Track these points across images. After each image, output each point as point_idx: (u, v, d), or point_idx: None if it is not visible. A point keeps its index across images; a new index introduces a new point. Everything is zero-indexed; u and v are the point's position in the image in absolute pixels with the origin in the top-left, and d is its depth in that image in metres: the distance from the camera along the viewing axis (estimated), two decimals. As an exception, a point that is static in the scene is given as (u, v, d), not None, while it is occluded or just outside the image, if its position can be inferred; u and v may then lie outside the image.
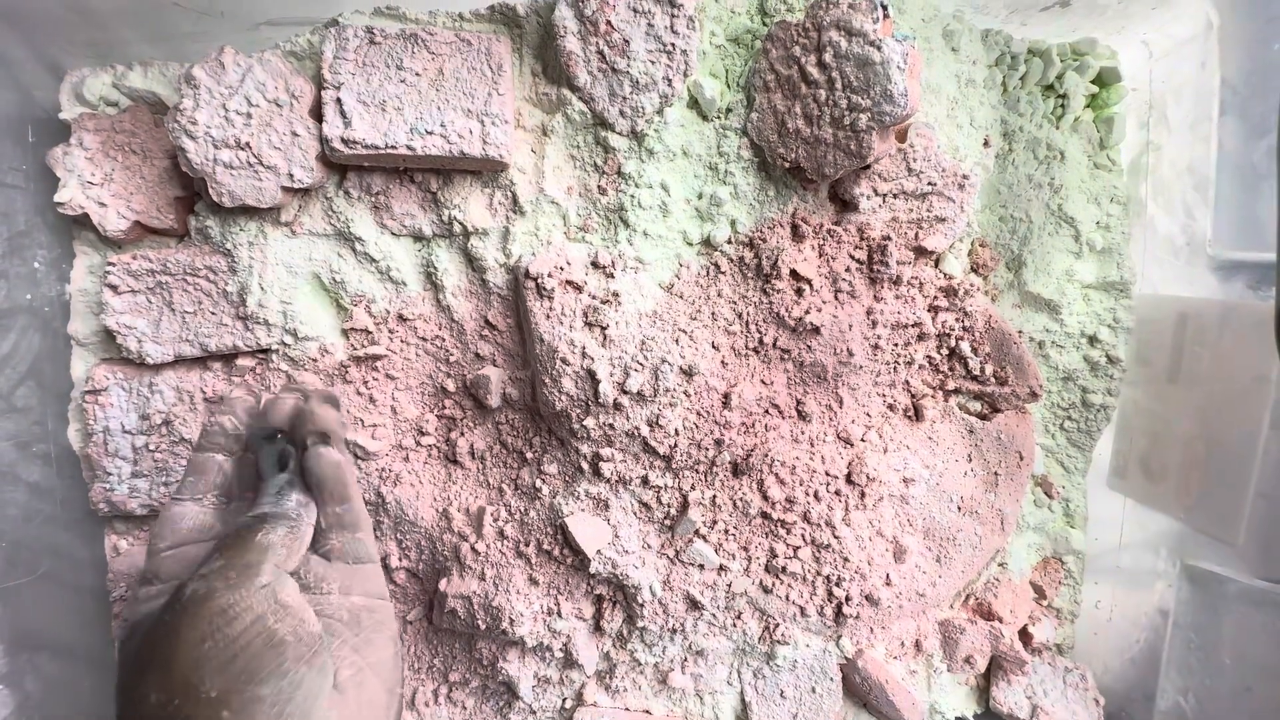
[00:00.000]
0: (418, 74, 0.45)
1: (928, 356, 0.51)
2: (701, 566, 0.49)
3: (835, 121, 0.44)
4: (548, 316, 0.46)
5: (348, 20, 0.47)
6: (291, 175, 0.46)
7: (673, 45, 0.45)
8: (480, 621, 0.49)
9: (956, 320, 0.51)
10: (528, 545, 0.49)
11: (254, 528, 0.34)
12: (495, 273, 0.48)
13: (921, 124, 0.48)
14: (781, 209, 0.48)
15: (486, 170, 0.47)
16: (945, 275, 0.51)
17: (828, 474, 0.49)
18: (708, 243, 0.49)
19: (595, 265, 0.47)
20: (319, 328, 0.49)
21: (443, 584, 0.50)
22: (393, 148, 0.44)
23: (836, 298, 0.48)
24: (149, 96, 0.50)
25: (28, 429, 0.50)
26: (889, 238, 0.48)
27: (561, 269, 0.46)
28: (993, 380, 0.51)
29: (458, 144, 0.45)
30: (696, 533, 0.49)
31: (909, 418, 0.52)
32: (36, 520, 0.50)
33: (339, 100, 0.45)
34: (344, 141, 0.44)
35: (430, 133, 0.45)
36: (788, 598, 0.50)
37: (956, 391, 0.52)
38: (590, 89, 0.46)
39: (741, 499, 0.49)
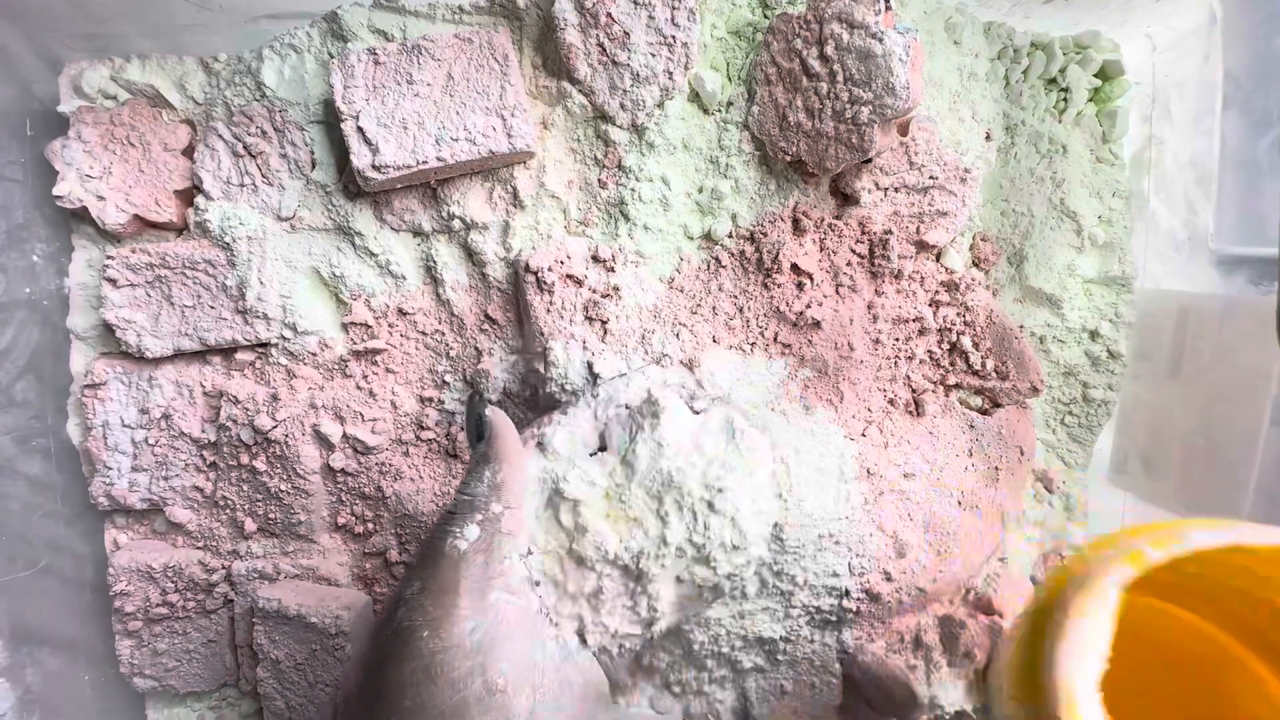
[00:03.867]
0: (429, 84, 0.45)
1: (928, 351, 0.51)
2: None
3: (837, 115, 0.43)
4: (548, 310, 0.46)
5: (347, 20, 0.47)
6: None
7: (673, 38, 0.45)
8: (480, 616, 0.49)
9: (958, 315, 0.51)
10: (528, 540, 0.49)
11: (442, 533, 0.31)
12: (495, 267, 0.48)
13: (923, 117, 0.48)
14: (782, 203, 0.48)
15: (516, 163, 0.47)
16: (946, 269, 0.51)
17: (828, 469, 0.49)
18: (708, 236, 0.48)
19: (595, 259, 0.47)
20: (318, 322, 0.49)
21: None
22: (424, 163, 0.44)
23: (837, 292, 0.48)
24: (148, 90, 0.49)
25: (27, 423, 0.50)
26: (890, 232, 0.48)
27: (562, 263, 0.46)
28: (994, 375, 0.51)
29: (484, 144, 0.44)
30: (697, 527, 0.49)
31: (910, 412, 0.52)
32: (36, 514, 0.50)
33: (360, 129, 0.44)
34: (375, 168, 0.44)
35: (456, 139, 0.44)
36: (788, 592, 0.50)
37: (957, 386, 0.52)
38: (590, 82, 0.46)
39: (742, 493, 0.49)
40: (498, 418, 0.35)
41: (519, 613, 0.32)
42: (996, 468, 0.53)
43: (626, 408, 0.39)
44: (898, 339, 0.49)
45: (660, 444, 0.37)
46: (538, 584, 0.35)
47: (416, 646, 0.28)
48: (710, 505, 0.36)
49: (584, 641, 0.36)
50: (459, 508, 0.32)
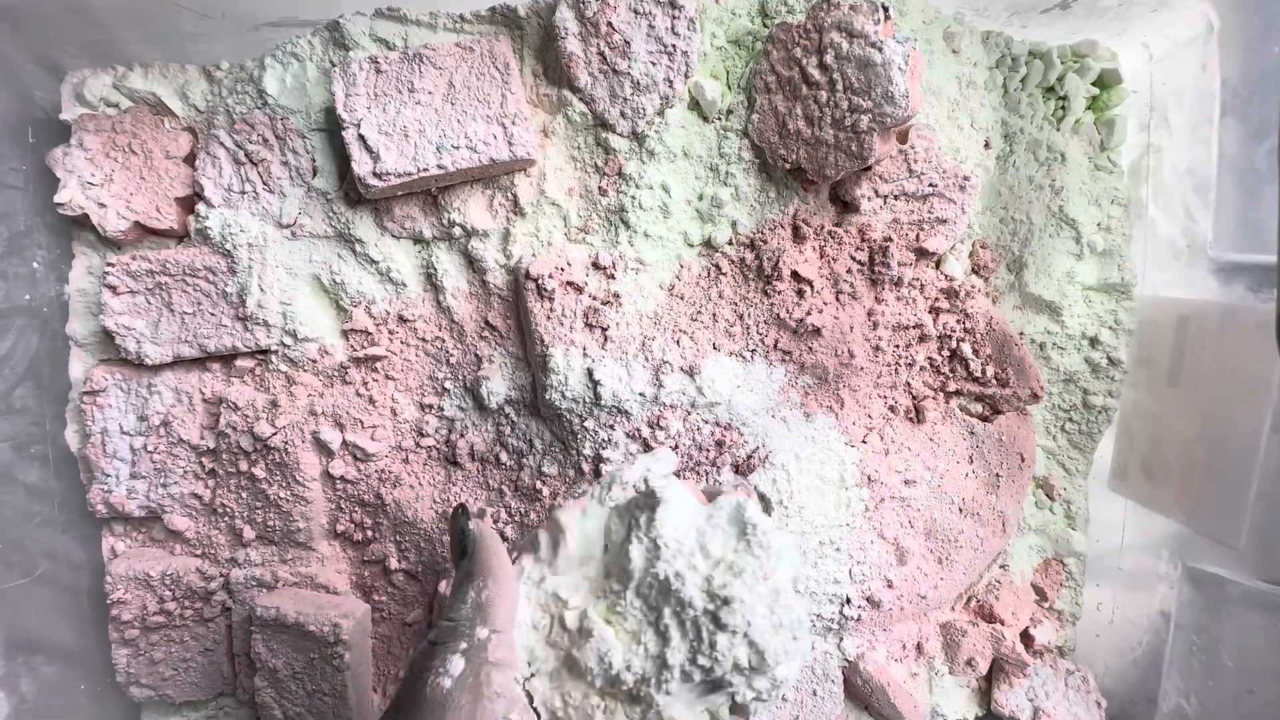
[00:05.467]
0: (430, 92, 0.45)
1: (929, 358, 0.51)
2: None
3: (836, 123, 0.44)
4: (548, 317, 0.46)
5: (349, 29, 0.47)
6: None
7: (673, 46, 0.45)
8: (480, 624, 0.49)
9: (958, 322, 0.51)
10: (528, 547, 0.49)
11: (423, 668, 0.27)
12: (496, 274, 0.48)
13: (922, 125, 0.48)
14: (782, 210, 0.48)
15: (517, 171, 0.47)
16: (946, 277, 0.51)
17: (829, 476, 0.49)
18: (709, 244, 0.49)
19: (596, 266, 0.47)
20: (319, 329, 0.49)
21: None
22: (425, 171, 0.44)
23: (838, 299, 0.48)
24: (149, 97, 0.50)
25: (25, 430, 0.49)
26: (890, 239, 0.48)
27: (562, 270, 0.46)
28: (994, 382, 0.51)
29: (485, 151, 0.45)
30: (697, 535, 0.49)
31: (910, 419, 0.52)
32: (34, 522, 0.49)
33: (361, 136, 0.44)
34: (376, 176, 0.44)
35: (457, 147, 0.44)
36: (789, 600, 0.50)
37: (958, 393, 0.52)
38: (591, 90, 0.46)
39: (742, 501, 0.49)
40: (482, 530, 0.31)
41: None
42: (997, 474, 0.53)
43: (628, 492, 0.34)
44: (898, 346, 0.50)
45: (656, 543, 0.31)
46: None
47: None
48: (715, 619, 0.30)
49: None
50: (441, 635, 0.28)
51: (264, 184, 0.49)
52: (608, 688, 0.30)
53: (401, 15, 0.48)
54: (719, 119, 0.47)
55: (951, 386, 0.52)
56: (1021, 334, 0.54)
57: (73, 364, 0.51)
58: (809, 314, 0.47)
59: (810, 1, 0.46)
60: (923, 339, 0.50)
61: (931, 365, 0.52)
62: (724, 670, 0.30)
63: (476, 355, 0.49)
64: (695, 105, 0.47)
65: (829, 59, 0.43)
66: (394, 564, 0.51)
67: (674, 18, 0.45)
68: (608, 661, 0.30)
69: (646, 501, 0.32)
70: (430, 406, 0.50)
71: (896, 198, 0.48)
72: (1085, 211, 0.53)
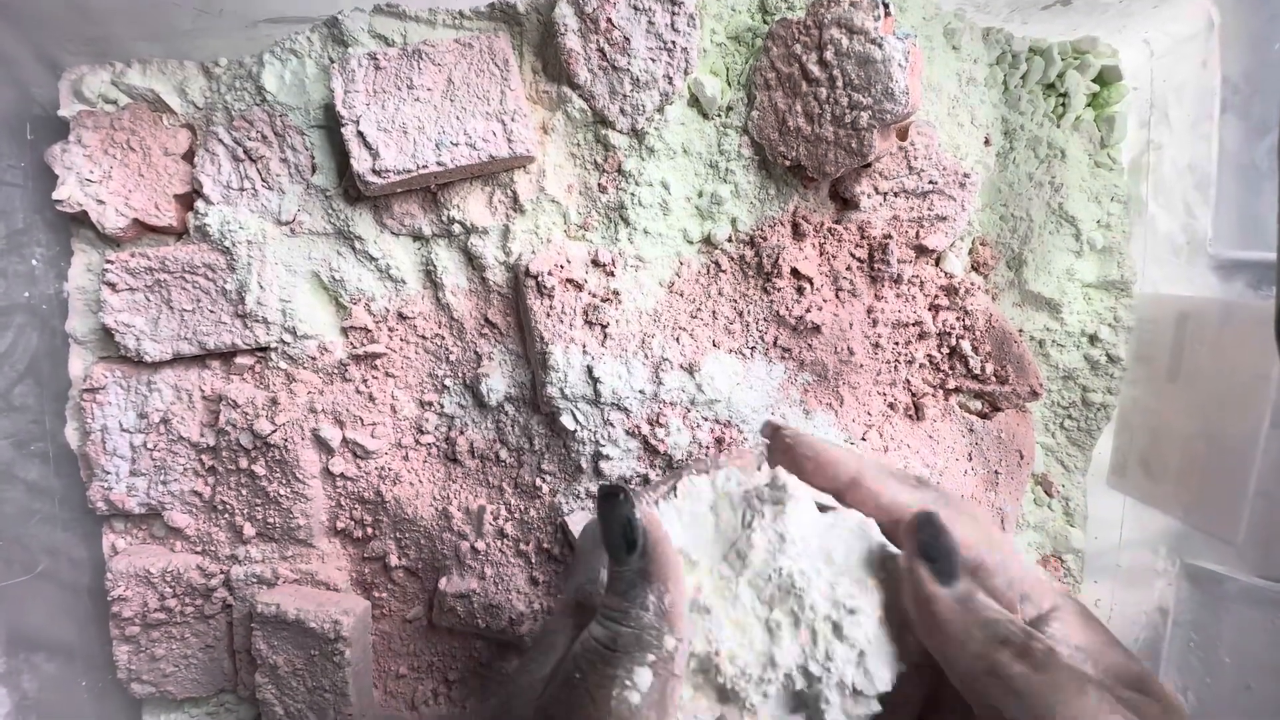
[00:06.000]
0: (429, 89, 0.45)
1: (928, 355, 0.51)
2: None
3: (836, 119, 0.44)
4: (548, 314, 0.46)
5: (348, 25, 0.47)
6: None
7: (673, 43, 0.45)
8: (480, 621, 0.49)
9: (957, 319, 0.51)
10: (527, 544, 0.49)
11: (600, 675, 0.25)
12: (495, 271, 0.48)
13: (922, 122, 0.48)
14: (782, 207, 0.48)
15: (516, 168, 0.47)
16: (946, 274, 0.51)
17: (828, 473, 0.49)
18: (708, 241, 0.49)
19: (595, 263, 0.47)
20: (318, 326, 0.49)
21: (442, 583, 0.50)
22: (424, 168, 0.44)
23: (837, 296, 0.48)
24: (148, 94, 0.50)
25: (25, 427, 0.50)
26: (890, 236, 0.48)
27: (562, 267, 0.46)
28: (993, 379, 0.51)
29: (484, 149, 0.45)
30: (697, 532, 0.49)
31: (909, 416, 0.52)
32: (34, 519, 0.50)
33: (360, 133, 0.44)
34: (375, 173, 0.44)
35: (456, 144, 0.44)
36: (788, 597, 0.50)
37: (957, 390, 0.52)
38: (590, 87, 0.46)
39: (742, 498, 0.49)
40: (652, 521, 0.28)
41: None
42: (996, 471, 0.53)
43: (742, 487, 0.32)
44: (897, 343, 0.50)
45: (782, 536, 0.29)
46: None
47: None
48: (837, 628, 0.28)
49: None
50: (621, 642, 0.25)
51: (263, 181, 0.49)
52: (698, 677, 0.28)
53: (400, 11, 0.48)
54: (719, 116, 0.47)
55: (951, 384, 0.52)
56: (1021, 331, 0.54)
57: (72, 361, 0.51)
58: (808, 311, 0.47)
59: (810, -2, 0.46)
60: (922, 336, 0.50)
61: (931, 362, 0.52)
62: (828, 686, 0.28)
63: (476, 352, 0.50)
64: (695, 102, 0.47)
65: (829, 55, 0.43)
66: (394, 561, 0.51)
67: (673, 14, 0.45)
68: (714, 645, 0.28)
69: (773, 495, 0.30)
70: (430, 404, 0.50)
71: (896, 195, 0.48)
72: (1085, 208, 0.53)
